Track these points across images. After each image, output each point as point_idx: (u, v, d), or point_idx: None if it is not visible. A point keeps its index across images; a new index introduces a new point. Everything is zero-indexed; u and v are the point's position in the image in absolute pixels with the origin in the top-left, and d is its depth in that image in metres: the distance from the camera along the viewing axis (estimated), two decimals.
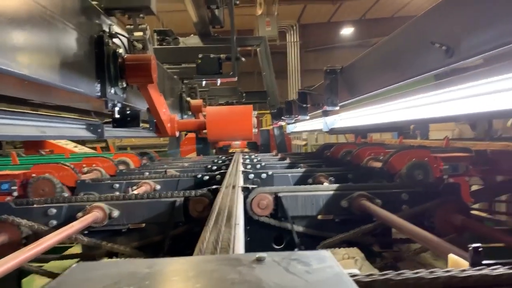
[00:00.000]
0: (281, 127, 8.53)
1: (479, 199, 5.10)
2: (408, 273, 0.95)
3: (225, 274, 0.78)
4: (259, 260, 0.85)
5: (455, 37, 1.43)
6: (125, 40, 2.11)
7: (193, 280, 0.76)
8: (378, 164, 3.72)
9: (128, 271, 0.81)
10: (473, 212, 4.08)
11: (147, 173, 3.98)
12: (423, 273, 0.94)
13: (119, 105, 2.11)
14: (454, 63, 1.44)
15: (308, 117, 4.98)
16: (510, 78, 1.50)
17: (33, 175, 3.41)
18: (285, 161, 4.80)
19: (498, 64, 1.47)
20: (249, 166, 3.96)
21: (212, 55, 3.73)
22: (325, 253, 0.88)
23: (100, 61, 1.87)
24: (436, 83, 2.12)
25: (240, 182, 2.84)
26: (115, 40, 2.03)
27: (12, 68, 1.19)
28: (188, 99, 4.95)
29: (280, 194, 2.48)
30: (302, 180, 3.48)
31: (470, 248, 1.02)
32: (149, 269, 0.83)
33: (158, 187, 3.40)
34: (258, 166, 4.14)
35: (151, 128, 3.16)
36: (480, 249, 1.02)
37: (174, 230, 2.43)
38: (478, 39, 1.34)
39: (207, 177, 3.44)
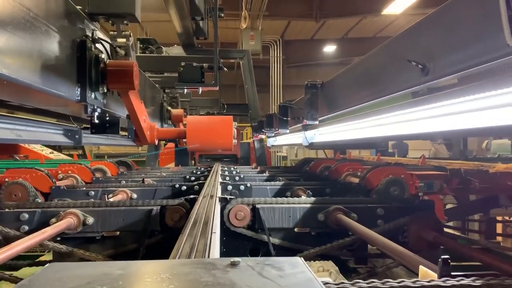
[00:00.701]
0: (261, 140, 8.56)
1: (453, 217, 5.20)
2: (377, 283, 0.97)
3: (199, 277, 0.78)
4: (234, 265, 0.86)
5: (431, 56, 1.48)
6: (108, 46, 2.11)
7: (166, 282, 0.76)
8: (356, 180, 3.77)
9: (102, 272, 0.81)
10: (447, 230, 4.16)
11: (124, 182, 3.93)
12: (392, 282, 0.96)
13: (98, 110, 2.09)
14: (430, 81, 1.49)
15: (288, 131, 5.02)
16: (482, 98, 1.55)
17: (6, 179, 3.33)
18: (264, 174, 4.81)
19: (471, 84, 1.53)
20: (227, 178, 3.96)
21: (194, 64, 3.75)
22: (298, 260, 0.90)
23: (82, 66, 1.86)
24: (412, 101, 2.18)
25: (218, 193, 2.83)
26: (98, 45, 2.02)
27: None
28: (169, 108, 4.94)
29: (257, 206, 2.49)
30: (280, 193, 3.49)
31: (440, 260, 1.05)
32: (123, 270, 0.83)
33: (134, 195, 3.36)
34: (237, 178, 4.14)
35: (129, 136, 3.14)
36: (449, 261, 1.05)
37: (150, 239, 2.41)
38: (452, 59, 1.40)
39: (185, 187, 3.43)
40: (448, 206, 5.04)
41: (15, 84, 1.39)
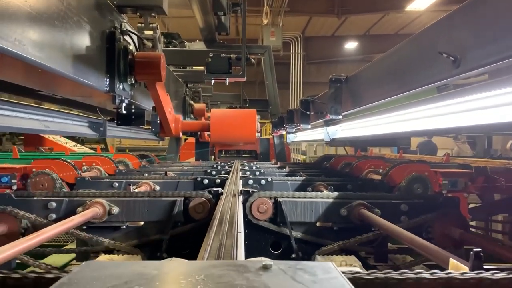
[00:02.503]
0: (281, 136, 8.55)
1: (476, 217, 5.11)
2: (409, 273, 0.96)
3: (233, 280, 0.79)
4: (266, 268, 0.86)
5: (463, 47, 1.45)
6: (135, 38, 2.14)
7: (201, 284, 0.77)
8: (378, 177, 3.74)
9: (137, 271, 0.83)
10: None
11: (146, 174, 3.98)
12: (424, 273, 0.95)
13: (126, 101, 2.12)
14: (461, 73, 1.46)
15: (310, 126, 4.99)
16: None
17: (33, 169, 3.42)
18: (285, 169, 4.81)
19: (504, 77, 1.49)
20: (248, 173, 3.97)
21: (222, 55, 3.76)
22: (330, 265, 0.89)
23: (111, 57, 1.89)
24: (440, 95, 2.14)
25: (240, 188, 2.84)
26: (126, 37, 2.05)
27: (28, 54, 1.21)
28: (192, 102, 4.97)
29: (280, 199, 2.48)
30: (301, 188, 3.48)
31: (471, 253, 1.03)
32: (157, 270, 0.84)
33: (157, 187, 3.40)
34: (257, 173, 4.15)
35: (153, 129, 3.17)
36: (481, 254, 1.03)
37: (173, 230, 2.43)
38: (485, 51, 1.36)
39: (206, 181, 3.45)
40: (471, 205, 4.95)
41: (48, 73, 1.42)
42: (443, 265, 1.44)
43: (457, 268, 1.09)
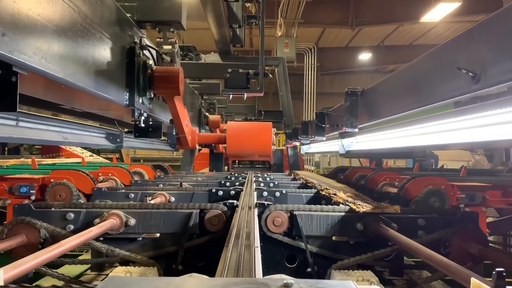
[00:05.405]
0: (295, 148, 8.53)
1: (495, 231, 5.02)
2: None
3: None
4: (287, 286, 0.85)
5: (483, 63, 1.44)
6: (154, 53, 2.17)
7: None
8: (393, 190, 3.70)
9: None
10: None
11: (161, 185, 4.01)
12: None
13: (145, 114, 2.15)
14: (480, 89, 1.45)
15: (325, 138, 4.98)
16: None
17: (51, 180, 3.47)
18: (298, 181, 4.79)
19: None
20: (262, 184, 3.97)
21: (241, 70, 3.81)
22: (351, 284, 0.88)
23: (131, 71, 1.92)
24: (456, 110, 2.12)
25: (254, 200, 2.85)
26: (145, 52, 2.09)
27: (53, 71, 1.24)
28: (207, 114, 5.01)
29: (295, 212, 2.48)
30: (315, 201, 3.46)
31: (494, 272, 1.02)
32: (179, 287, 0.85)
33: (172, 199, 3.42)
34: (271, 184, 4.15)
35: (169, 141, 3.20)
36: (504, 274, 1.01)
37: (189, 242, 2.44)
38: (505, 67, 1.35)
39: (221, 192, 3.47)
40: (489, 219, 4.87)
41: (70, 88, 1.46)
42: (464, 283, 1.42)
43: (479, 287, 1.08)
